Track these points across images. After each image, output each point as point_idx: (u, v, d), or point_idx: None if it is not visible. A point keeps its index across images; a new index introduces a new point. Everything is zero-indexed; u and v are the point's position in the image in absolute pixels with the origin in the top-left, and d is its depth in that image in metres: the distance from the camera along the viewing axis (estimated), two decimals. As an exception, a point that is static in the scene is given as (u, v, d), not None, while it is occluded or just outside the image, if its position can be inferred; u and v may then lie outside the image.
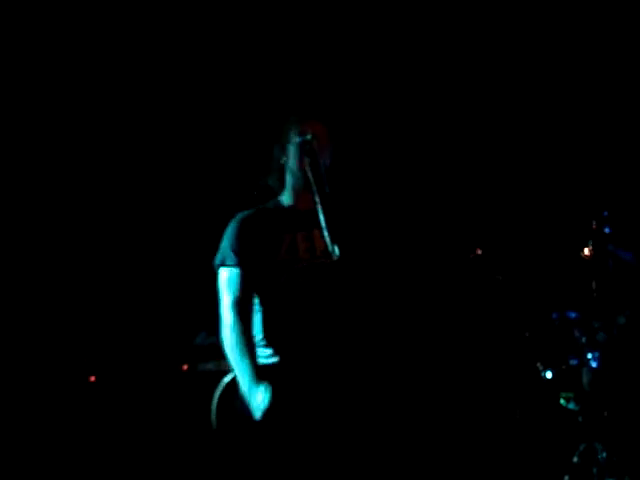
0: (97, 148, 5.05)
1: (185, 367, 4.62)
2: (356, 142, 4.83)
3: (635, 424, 4.33)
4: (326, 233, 2.85)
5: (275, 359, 3.12)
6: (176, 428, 4.52)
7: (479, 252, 3.81)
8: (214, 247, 3.28)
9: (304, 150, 3.03)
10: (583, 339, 4.32)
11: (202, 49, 5.03)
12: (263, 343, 3.16)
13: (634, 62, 5.11)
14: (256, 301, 3.21)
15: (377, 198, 4.87)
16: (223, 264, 3.19)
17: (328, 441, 3.01)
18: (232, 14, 4.97)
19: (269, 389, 2.96)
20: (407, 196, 5.13)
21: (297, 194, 3.25)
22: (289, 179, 3.26)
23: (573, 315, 4.39)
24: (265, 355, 3.15)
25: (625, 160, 5.14)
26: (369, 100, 5.20)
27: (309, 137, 3.01)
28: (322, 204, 2.88)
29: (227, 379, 3.10)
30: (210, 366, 4.46)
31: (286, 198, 3.28)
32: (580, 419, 4.32)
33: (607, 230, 4.33)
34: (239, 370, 3.04)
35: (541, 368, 4.38)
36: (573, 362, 4.35)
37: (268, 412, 2.95)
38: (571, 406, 4.35)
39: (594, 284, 4.34)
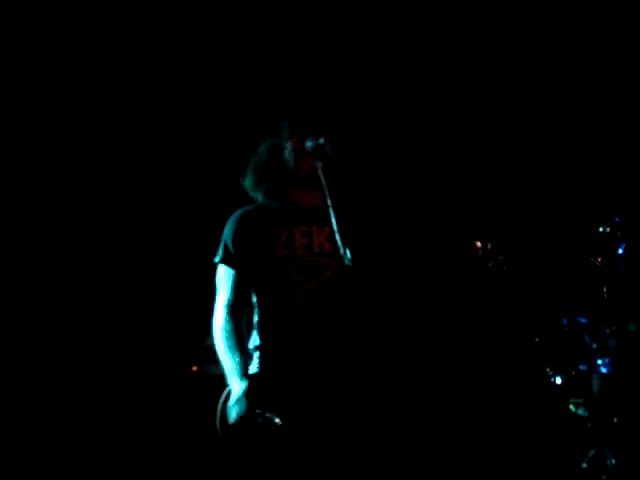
0: (97, 149, 5.05)
1: (195, 368, 4.62)
2: (358, 143, 4.83)
3: (644, 430, 4.32)
4: (338, 236, 2.84)
5: (272, 363, 3.11)
6: (184, 430, 4.52)
7: (480, 249, 3.80)
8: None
9: (317, 154, 3.02)
10: (593, 345, 4.30)
11: (202, 49, 5.03)
12: (265, 346, 3.15)
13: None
14: (253, 299, 3.21)
15: (384, 199, 4.87)
16: (219, 261, 3.20)
17: (331, 445, 3.00)
18: (229, 14, 4.96)
19: (244, 401, 2.95)
20: (418, 200, 5.12)
21: (297, 193, 3.25)
22: (287, 179, 3.26)
23: (583, 321, 4.38)
24: (260, 360, 3.14)
25: (638, 166, 5.12)
26: (369, 101, 5.19)
27: (322, 141, 3.00)
28: (334, 207, 2.88)
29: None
30: (219, 369, 4.45)
31: (284, 195, 3.27)
32: (589, 425, 4.30)
33: (618, 236, 4.32)
34: (225, 368, 3.07)
35: (551, 373, 4.37)
36: (583, 368, 4.34)
37: (243, 420, 2.95)
38: (580, 412, 4.34)
39: (605, 290, 4.33)
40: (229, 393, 3.04)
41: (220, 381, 3.17)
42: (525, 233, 5.11)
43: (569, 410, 4.37)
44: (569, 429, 4.47)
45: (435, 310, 4.89)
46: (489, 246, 3.48)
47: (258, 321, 3.17)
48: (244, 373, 3.03)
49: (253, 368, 3.16)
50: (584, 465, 4.22)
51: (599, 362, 4.27)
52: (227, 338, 3.10)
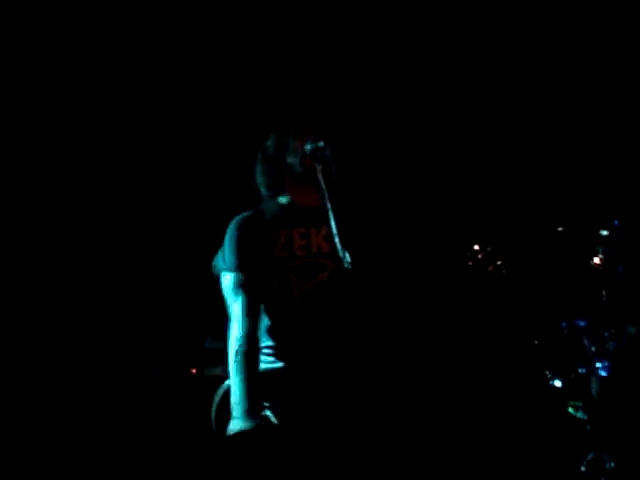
0: (99, 149, 5.05)
1: (194, 371, 4.62)
2: (358, 146, 4.83)
3: (644, 434, 4.32)
4: (337, 239, 2.84)
5: (279, 364, 3.11)
6: (183, 432, 4.52)
7: (479, 251, 3.79)
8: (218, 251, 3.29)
9: (316, 157, 3.02)
10: (592, 348, 4.29)
11: (201, 49, 5.03)
12: (266, 347, 3.15)
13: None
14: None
15: (384, 201, 4.87)
16: (226, 269, 3.19)
17: (333, 448, 3.00)
18: (229, 14, 4.96)
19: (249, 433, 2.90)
20: (417, 202, 5.12)
21: (295, 192, 3.25)
22: (287, 177, 3.26)
23: (582, 324, 4.37)
24: (268, 360, 3.14)
25: (638, 169, 5.12)
26: (370, 104, 5.19)
27: (321, 144, 3.01)
28: (334, 210, 2.88)
29: (226, 384, 3.09)
30: (217, 371, 4.46)
31: (283, 196, 3.28)
32: (588, 428, 4.30)
33: (617, 239, 4.32)
34: (234, 387, 3.00)
35: (550, 376, 4.37)
36: (582, 371, 4.33)
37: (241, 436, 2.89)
38: (579, 415, 4.33)
39: (604, 293, 4.32)
40: (224, 394, 3.05)
41: (219, 383, 3.18)
42: (524, 236, 5.11)
43: (568, 413, 4.37)
44: (568, 432, 4.47)
45: (434, 311, 4.89)
46: (488, 249, 3.48)
47: (265, 326, 3.17)
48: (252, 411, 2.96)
49: None
50: (583, 468, 4.21)
51: (598, 365, 4.26)
52: (245, 352, 3.04)
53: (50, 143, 4.96)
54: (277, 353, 3.09)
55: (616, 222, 4.33)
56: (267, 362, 3.12)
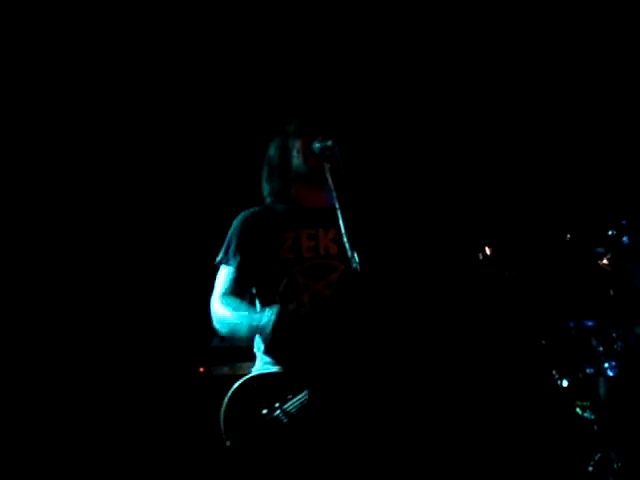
0: (101, 150, 5.06)
1: (202, 369, 4.63)
2: (367, 145, 4.83)
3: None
4: (346, 239, 2.84)
5: (277, 368, 3.11)
6: (191, 431, 4.52)
7: (488, 252, 3.79)
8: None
9: (324, 156, 3.02)
10: (600, 348, 4.29)
11: (202, 50, 5.04)
12: (264, 348, 3.15)
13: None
14: (257, 303, 3.20)
15: (393, 201, 4.87)
16: (219, 261, 3.21)
17: (338, 446, 3.00)
18: (231, 14, 4.97)
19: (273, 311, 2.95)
20: (426, 203, 5.12)
21: (302, 193, 3.25)
22: (294, 182, 3.26)
23: (590, 324, 4.36)
24: (267, 362, 3.14)
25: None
26: (379, 104, 5.19)
27: (330, 143, 3.01)
28: (342, 210, 2.88)
29: (235, 386, 3.09)
30: (225, 370, 4.47)
31: (290, 196, 3.28)
32: (596, 428, 4.29)
33: (625, 239, 4.31)
34: (240, 331, 3.07)
35: (557, 376, 4.36)
36: (589, 371, 4.32)
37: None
38: (587, 415, 4.32)
39: (612, 293, 4.31)
40: (231, 397, 3.05)
41: (227, 382, 3.18)
42: (532, 237, 5.11)
43: (575, 413, 4.36)
44: (575, 432, 4.46)
45: (442, 311, 4.89)
46: (497, 251, 3.48)
47: None
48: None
49: (256, 369, 3.16)
50: (590, 469, 4.21)
51: (606, 365, 4.26)
52: (227, 304, 3.09)
53: (53, 144, 4.98)
54: (281, 356, 3.09)
55: (624, 222, 4.33)
56: (266, 363, 3.13)
